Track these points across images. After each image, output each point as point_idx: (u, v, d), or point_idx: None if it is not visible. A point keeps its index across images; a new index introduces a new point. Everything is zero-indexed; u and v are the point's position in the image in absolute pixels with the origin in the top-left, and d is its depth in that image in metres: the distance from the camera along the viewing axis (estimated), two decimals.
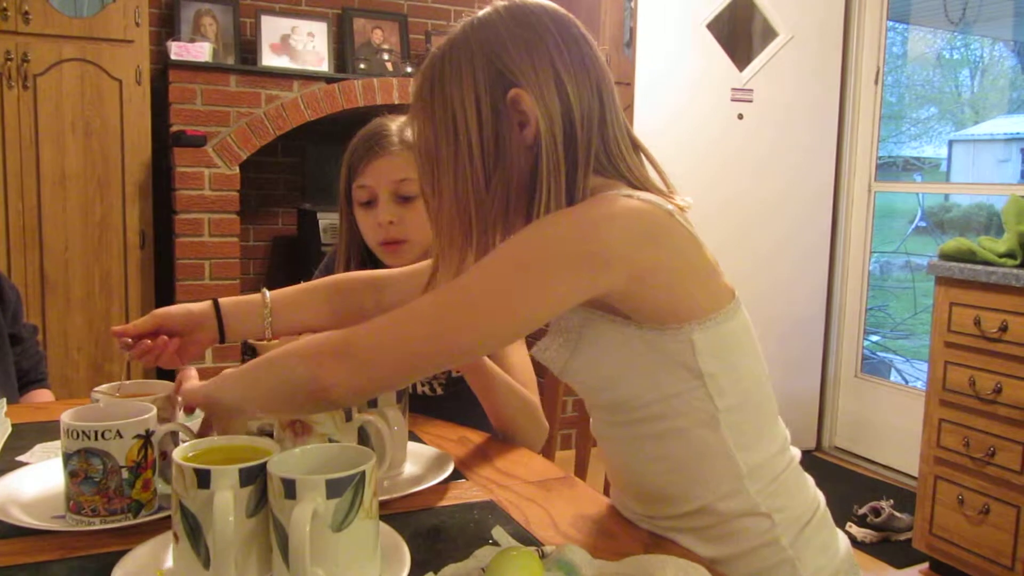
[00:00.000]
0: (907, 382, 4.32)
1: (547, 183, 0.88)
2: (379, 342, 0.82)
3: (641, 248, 0.83)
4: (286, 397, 0.86)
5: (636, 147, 0.95)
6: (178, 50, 3.13)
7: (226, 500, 0.71)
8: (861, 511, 2.82)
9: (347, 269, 1.44)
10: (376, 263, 1.46)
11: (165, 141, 3.17)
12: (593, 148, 0.91)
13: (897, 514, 2.81)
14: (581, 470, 1.56)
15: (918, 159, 5.79)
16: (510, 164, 0.89)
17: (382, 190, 1.39)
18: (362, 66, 3.55)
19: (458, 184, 0.90)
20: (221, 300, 1.16)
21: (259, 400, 0.88)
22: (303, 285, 1.24)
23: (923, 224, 5.44)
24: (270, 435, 0.92)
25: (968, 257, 2.41)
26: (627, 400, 0.91)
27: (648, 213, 0.84)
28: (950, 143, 5.95)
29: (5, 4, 2.89)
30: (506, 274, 0.82)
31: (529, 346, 1.16)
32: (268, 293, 1.17)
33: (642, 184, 0.92)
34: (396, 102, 3.35)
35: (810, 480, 0.99)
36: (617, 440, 0.96)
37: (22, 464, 1.08)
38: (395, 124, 1.42)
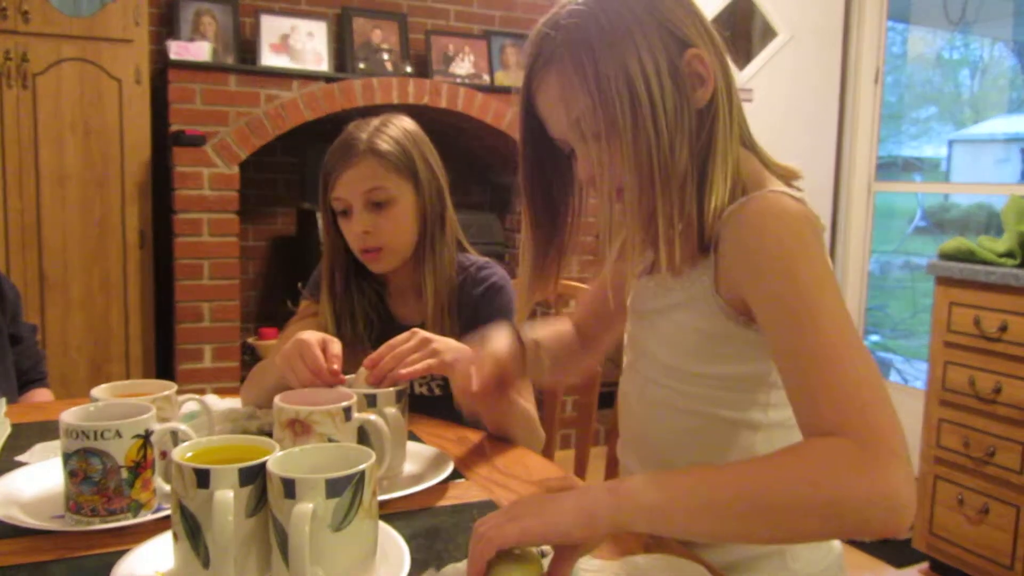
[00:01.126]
0: (907, 382, 4.32)
1: (722, 151, 0.86)
2: (893, 430, 0.71)
3: (823, 256, 0.82)
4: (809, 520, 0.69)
5: None
6: (177, 49, 3.13)
7: (226, 500, 0.71)
8: None
9: (333, 279, 1.44)
10: (362, 269, 1.45)
11: (164, 141, 3.17)
12: (742, 115, 0.90)
13: None
14: (581, 470, 1.55)
15: (918, 159, 5.79)
16: (687, 131, 0.85)
17: (355, 200, 1.38)
18: (361, 66, 3.55)
19: (640, 154, 0.83)
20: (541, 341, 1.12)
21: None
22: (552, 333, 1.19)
23: (923, 224, 5.45)
24: (269, 435, 0.92)
25: (968, 257, 2.41)
26: (695, 373, 0.92)
27: (815, 221, 0.84)
28: (950, 143, 5.95)
29: (4, 3, 2.89)
30: (842, 318, 0.76)
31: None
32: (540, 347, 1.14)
33: (764, 157, 0.92)
34: (395, 102, 3.35)
35: None
36: (654, 401, 0.97)
37: (21, 464, 1.07)
38: (365, 132, 1.39)
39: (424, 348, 1.11)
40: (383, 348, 1.11)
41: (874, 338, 4.86)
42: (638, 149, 0.83)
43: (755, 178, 0.89)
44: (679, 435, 0.95)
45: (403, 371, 1.09)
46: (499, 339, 1.08)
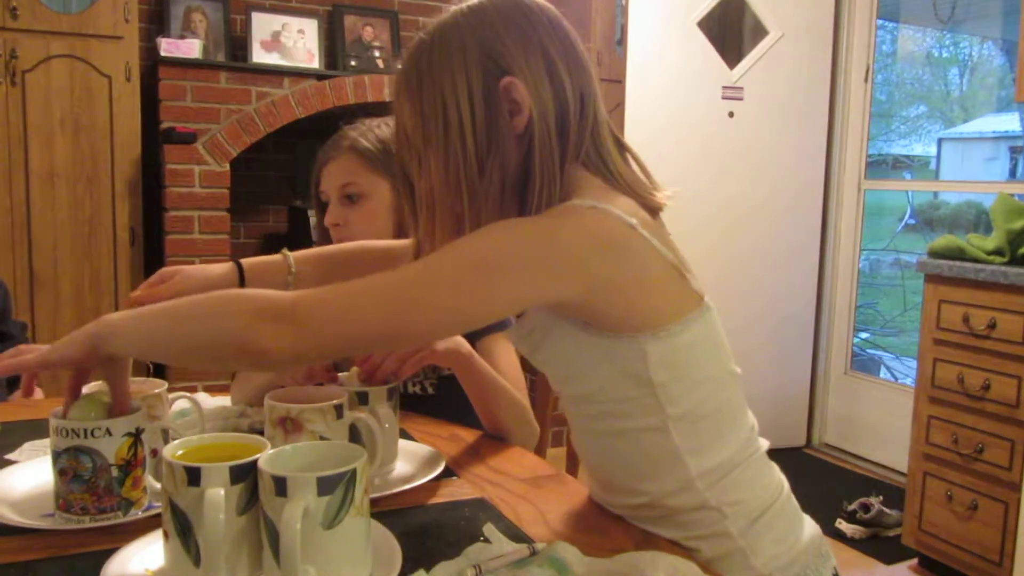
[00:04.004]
0: (896, 379, 4.35)
1: (540, 172, 0.89)
2: (328, 315, 0.79)
3: (597, 261, 0.83)
4: (207, 351, 0.83)
5: (620, 144, 0.96)
6: (168, 47, 3.12)
7: (216, 497, 0.71)
8: (850, 507, 2.84)
9: None
10: None
11: (155, 138, 3.16)
12: (584, 140, 0.91)
13: (886, 510, 2.83)
14: (572, 467, 1.56)
15: (908, 157, 5.82)
16: (503, 152, 0.89)
17: (332, 193, 1.47)
18: (353, 63, 3.54)
19: (449, 170, 0.89)
20: (244, 262, 1.15)
21: (164, 350, 0.87)
22: (321, 250, 1.25)
23: (912, 222, 5.47)
24: (260, 432, 0.92)
25: (957, 255, 2.42)
26: (584, 395, 0.93)
27: (607, 226, 0.84)
28: (939, 141, 5.98)
29: None
30: (459, 271, 0.81)
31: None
32: (291, 256, 1.16)
33: (623, 180, 0.92)
34: (387, 99, 3.32)
35: (774, 471, 0.99)
36: (576, 430, 0.99)
37: (11, 462, 1.07)
38: (355, 131, 1.47)
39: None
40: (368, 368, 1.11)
41: (864, 335, 4.89)
42: (448, 166, 0.89)
43: (590, 197, 0.89)
44: (603, 456, 0.96)
45: (405, 368, 1.10)
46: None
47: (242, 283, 1.14)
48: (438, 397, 1.40)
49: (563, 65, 0.90)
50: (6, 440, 1.17)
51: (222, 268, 1.15)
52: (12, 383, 1.73)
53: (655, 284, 0.88)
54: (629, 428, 0.91)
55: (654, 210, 0.93)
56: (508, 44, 0.89)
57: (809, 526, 1.00)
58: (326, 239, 1.50)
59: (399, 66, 0.94)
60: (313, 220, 1.51)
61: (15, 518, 0.88)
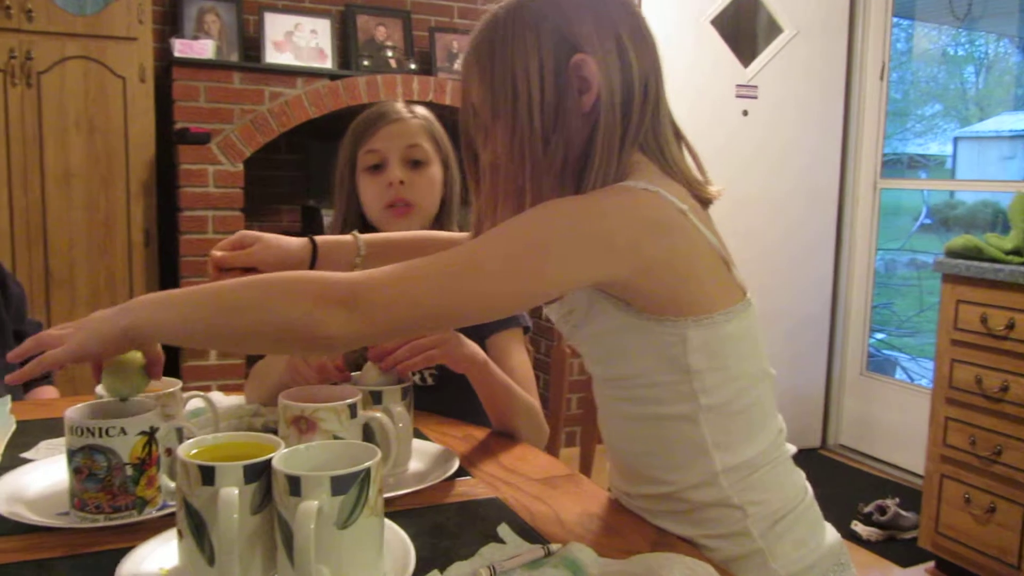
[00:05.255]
0: (912, 380, 4.31)
1: (601, 152, 0.89)
2: (386, 299, 0.80)
3: (648, 242, 0.84)
4: (264, 337, 0.83)
5: (677, 133, 0.97)
6: (181, 47, 3.13)
7: (231, 497, 0.71)
8: (866, 509, 2.81)
9: None
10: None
11: (169, 138, 3.17)
12: (645, 124, 0.92)
13: (903, 512, 2.80)
14: (586, 467, 1.55)
15: (923, 156, 5.77)
16: (568, 129, 0.89)
17: (392, 153, 1.42)
18: (365, 63, 3.55)
19: (514, 144, 0.90)
20: (318, 239, 1.14)
21: (210, 338, 0.87)
22: (390, 236, 1.24)
23: (928, 221, 5.43)
24: (274, 432, 0.92)
25: (975, 254, 2.40)
26: (618, 378, 0.94)
27: (659, 208, 0.85)
28: (955, 140, 5.93)
29: (8, 2, 2.89)
30: (519, 249, 0.83)
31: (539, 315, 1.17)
32: (361, 239, 1.17)
33: (678, 167, 0.93)
34: (400, 98, 3.35)
35: (799, 476, 0.99)
36: (607, 414, 0.99)
37: (27, 461, 1.07)
38: (400, 102, 1.49)
39: (432, 337, 1.12)
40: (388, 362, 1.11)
41: (879, 336, 4.85)
42: (514, 139, 0.90)
43: (644, 180, 0.90)
44: (632, 442, 0.96)
45: (415, 359, 1.10)
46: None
47: (314, 260, 1.13)
48: (438, 388, 1.39)
49: (632, 47, 0.91)
50: (22, 439, 1.17)
51: (299, 243, 1.13)
52: (29, 382, 1.74)
53: (702, 270, 0.89)
54: (660, 414, 0.91)
55: (705, 201, 0.95)
56: (581, 22, 0.89)
57: (831, 534, 0.99)
58: (352, 208, 1.46)
59: (470, 41, 0.95)
60: (327, 220, 1.49)
61: (30, 516, 0.88)
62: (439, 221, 1.46)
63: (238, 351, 1.03)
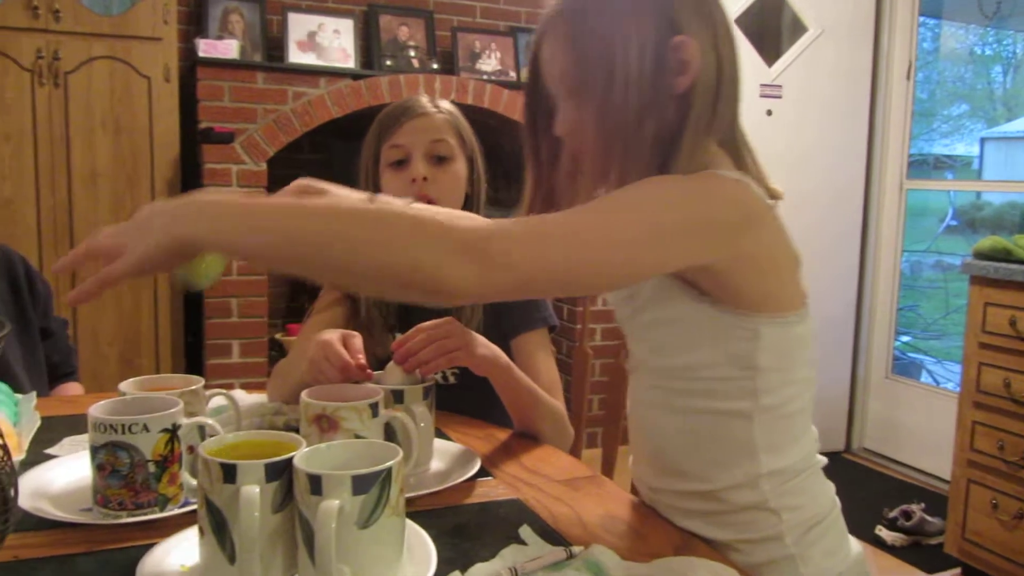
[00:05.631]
0: (938, 383, 4.26)
1: (690, 138, 0.87)
2: (521, 257, 0.75)
3: (744, 232, 0.84)
4: (382, 278, 0.75)
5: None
6: (206, 47, 3.15)
7: (252, 495, 0.71)
8: (891, 514, 2.78)
9: None
10: None
11: (193, 138, 3.20)
12: (727, 117, 0.91)
13: (928, 518, 2.77)
14: (608, 469, 1.54)
15: (949, 157, 5.70)
16: (660, 109, 0.87)
17: (416, 149, 1.39)
18: (388, 63, 3.55)
19: (606, 119, 0.87)
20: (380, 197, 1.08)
21: (301, 264, 0.76)
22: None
23: (954, 223, 5.36)
24: (296, 430, 0.92)
25: (1003, 256, 2.36)
26: (676, 368, 0.92)
27: (753, 200, 0.85)
28: (982, 140, 5.86)
29: (36, 3, 2.92)
30: (642, 228, 0.80)
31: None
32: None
33: (748, 162, 0.92)
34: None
35: (829, 486, 0.99)
36: (652, 404, 0.97)
37: (51, 457, 1.08)
38: (425, 96, 1.46)
39: (457, 338, 1.11)
40: (415, 332, 1.11)
41: (905, 339, 4.79)
42: (606, 113, 0.86)
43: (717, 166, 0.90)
44: (678, 436, 0.94)
45: (439, 360, 1.09)
46: None
47: None
48: (461, 387, 1.39)
49: (726, 38, 0.89)
50: (47, 435, 1.18)
51: (361, 198, 1.11)
52: (55, 379, 1.75)
53: (781, 268, 0.89)
54: (715, 409, 0.90)
55: (773, 199, 0.93)
56: (683, 4, 0.87)
57: (855, 545, 0.99)
58: None
59: (555, 8, 0.90)
60: (363, 178, 1.44)
61: (54, 512, 0.88)
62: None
63: (329, 282, 0.95)
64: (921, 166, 4.66)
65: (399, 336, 1.12)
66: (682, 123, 0.87)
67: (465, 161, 1.44)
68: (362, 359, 1.08)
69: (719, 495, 0.91)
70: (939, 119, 5.36)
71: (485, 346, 1.16)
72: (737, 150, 0.92)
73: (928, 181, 4.28)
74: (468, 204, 1.45)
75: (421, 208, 0.76)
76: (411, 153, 1.39)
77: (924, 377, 4.58)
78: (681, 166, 0.86)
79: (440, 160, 1.41)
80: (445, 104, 1.45)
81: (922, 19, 3.69)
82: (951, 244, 5.28)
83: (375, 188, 1.42)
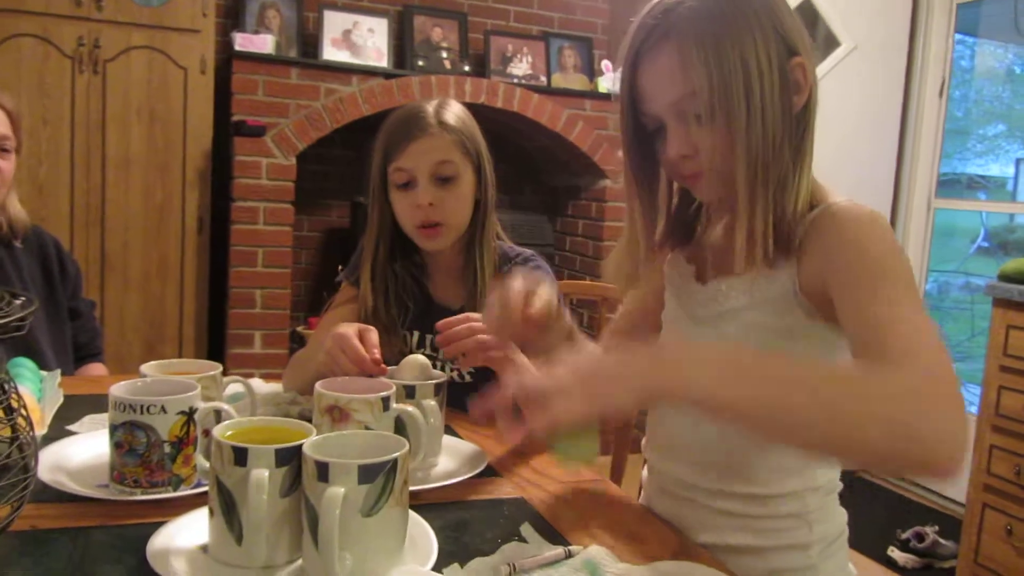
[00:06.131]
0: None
1: (810, 156, 0.89)
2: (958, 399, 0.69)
3: None
4: (878, 450, 0.67)
5: None
6: (242, 41, 3.20)
7: (261, 478, 0.73)
8: (904, 535, 2.76)
9: (376, 257, 1.43)
10: (409, 247, 1.46)
11: (226, 130, 3.24)
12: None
13: (941, 541, 2.74)
14: (617, 475, 1.55)
15: (983, 177, 5.63)
16: (787, 130, 0.87)
17: (420, 172, 1.37)
18: (420, 63, 3.58)
19: (751, 145, 0.85)
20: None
21: (787, 429, 0.69)
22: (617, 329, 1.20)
23: (986, 244, 5.29)
24: (310, 420, 0.94)
25: None
26: None
27: None
28: (1017, 161, 5.77)
29: None
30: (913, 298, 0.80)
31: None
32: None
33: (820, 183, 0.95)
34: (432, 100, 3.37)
35: (843, 510, 1.04)
36: None
37: (71, 433, 1.11)
38: (431, 107, 1.40)
39: (471, 327, 1.11)
40: (464, 319, 1.10)
41: None
42: (750, 138, 0.85)
43: (822, 192, 0.93)
44: (741, 436, 0.94)
45: (477, 356, 1.10)
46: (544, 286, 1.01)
47: None
48: (475, 385, 1.40)
49: (813, 59, 0.91)
50: (69, 412, 1.21)
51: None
52: (80, 359, 1.79)
53: None
54: None
55: None
56: (793, 24, 0.89)
57: (852, 567, 1.04)
58: (385, 222, 1.43)
59: (665, 25, 0.88)
60: (372, 197, 1.43)
61: (72, 486, 0.91)
62: (480, 225, 1.45)
63: (812, 450, 0.84)
64: (954, 185, 4.61)
65: (446, 320, 1.12)
66: (802, 143, 0.89)
67: (472, 172, 1.41)
68: (377, 353, 1.10)
69: (768, 500, 0.95)
70: (974, 138, 5.30)
71: (522, 358, 1.17)
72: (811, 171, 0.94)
73: (957, 201, 4.24)
74: (477, 210, 1.44)
75: (915, 378, 0.70)
76: (416, 177, 1.37)
77: None
78: (803, 184, 0.88)
79: (445, 180, 1.38)
80: (451, 116, 1.40)
81: (959, 36, 3.66)
82: (982, 265, 5.21)
83: (383, 205, 1.43)
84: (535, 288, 1.02)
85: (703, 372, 0.70)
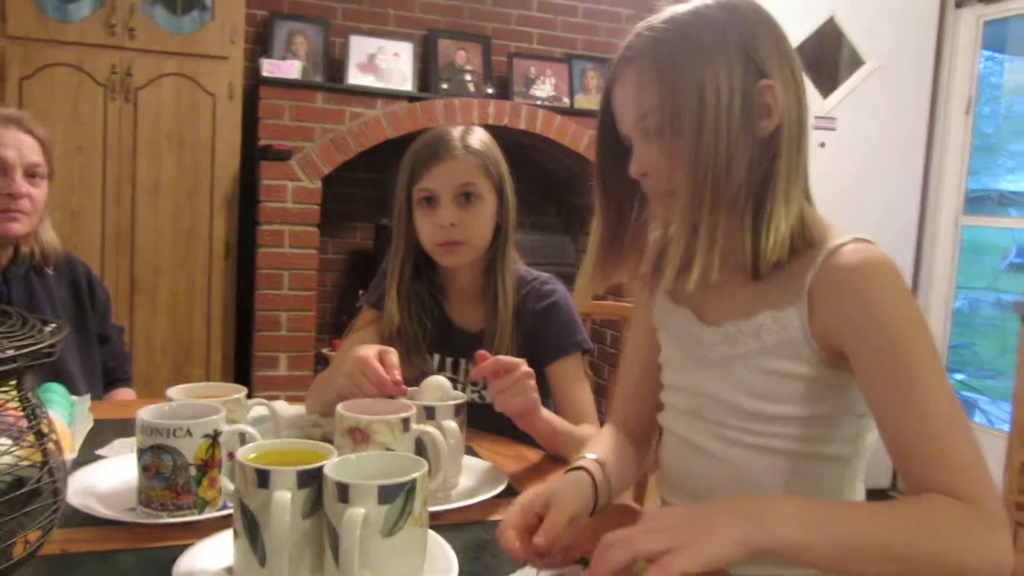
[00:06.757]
0: (992, 424, 4.14)
1: (784, 182, 0.89)
2: (996, 495, 0.79)
3: None
4: None
5: None
6: (270, 67, 3.25)
7: (283, 500, 0.74)
8: None
9: (402, 277, 1.46)
10: (431, 267, 1.48)
11: (252, 154, 3.29)
12: (805, 164, 0.92)
13: None
14: (640, 494, 1.55)
15: (1014, 193, 5.56)
16: (747, 154, 0.88)
17: (444, 193, 1.41)
18: (444, 86, 3.62)
19: (697, 162, 0.86)
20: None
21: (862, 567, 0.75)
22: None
23: (1017, 260, 5.22)
24: (331, 441, 0.95)
25: None
26: (784, 417, 0.93)
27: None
28: None
29: (114, 21, 3.06)
30: (946, 384, 0.83)
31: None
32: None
33: (811, 202, 0.95)
34: (476, 122, 3.41)
35: None
36: (735, 444, 0.96)
37: (100, 457, 1.13)
38: (456, 131, 1.45)
39: (526, 385, 1.14)
40: (492, 364, 1.13)
41: (959, 377, 4.67)
42: (697, 156, 0.86)
43: (821, 227, 0.92)
44: (768, 475, 0.95)
45: (511, 404, 1.14)
46: (570, 493, 0.88)
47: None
48: (492, 406, 1.41)
49: (800, 76, 0.91)
50: (98, 436, 1.24)
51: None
52: (109, 383, 1.83)
53: None
54: (820, 453, 0.93)
55: None
56: (766, 46, 0.89)
57: None
58: (410, 241, 1.46)
59: (643, 44, 0.90)
60: (397, 215, 1.46)
61: (101, 510, 0.93)
62: (501, 249, 1.47)
63: None
64: (984, 202, 4.56)
65: (493, 356, 1.14)
66: (772, 167, 0.88)
67: (495, 195, 1.44)
68: (398, 375, 1.11)
69: None
70: (1004, 154, 5.24)
71: (544, 412, 1.20)
72: (808, 191, 0.94)
73: (985, 217, 4.19)
74: (497, 234, 1.46)
75: (948, 506, 0.77)
76: (439, 197, 1.41)
77: (978, 416, 4.45)
78: (778, 213, 0.88)
79: (468, 199, 1.41)
80: (475, 141, 1.44)
81: (988, 53, 3.63)
82: (1013, 282, 5.13)
83: (408, 224, 1.46)
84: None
85: (804, 531, 0.72)
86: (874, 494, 1.01)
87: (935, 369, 0.82)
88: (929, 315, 3.60)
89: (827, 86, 3.47)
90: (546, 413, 1.22)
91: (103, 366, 1.80)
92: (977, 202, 3.85)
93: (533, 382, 1.15)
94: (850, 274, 0.87)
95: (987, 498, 0.77)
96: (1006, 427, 2.50)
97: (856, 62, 3.49)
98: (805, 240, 0.91)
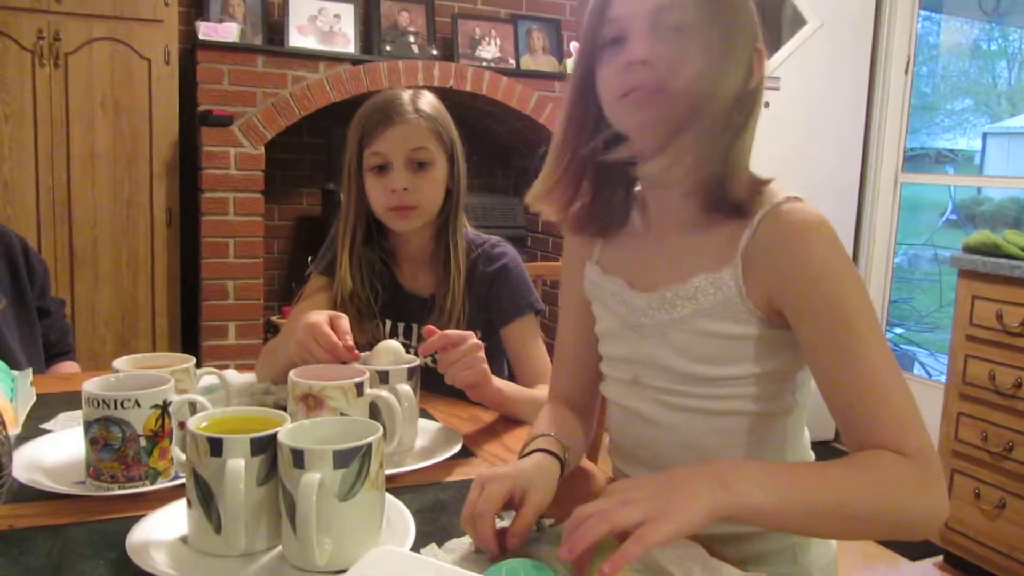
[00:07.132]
0: (930, 375, 4.29)
1: (751, 135, 0.91)
2: (932, 449, 0.82)
3: None
4: (880, 526, 0.82)
5: None
6: (206, 30, 3.16)
7: (237, 468, 0.74)
8: None
9: (354, 242, 1.44)
10: (381, 232, 1.47)
11: (192, 120, 3.21)
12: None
13: None
14: (592, 451, 1.57)
15: (951, 151, 5.71)
16: (740, 83, 0.88)
17: (396, 157, 1.39)
18: (388, 48, 3.56)
19: (710, 60, 0.86)
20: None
21: (815, 523, 0.80)
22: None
23: (954, 217, 5.38)
24: (284, 410, 0.95)
25: (992, 251, 2.38)
26: (725, 378, 0.94)
27: None
28: (984, 135, 5.86)
29: None
30: (884, 341, 0.86)
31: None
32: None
33: None
34: (421, 84, 3.37)
35: None
36: (680, 410, 0.97)
37: (46, 432, 1.11)
38: (406, 95, 1.42)
39: (474, 357, 1.14)
40: (440, 339, 1.13)
41: (898, 331, 4.83)
42: (710, 57, 0.85)
43: (757, 179, 0.94)
44: (708, 436, 0.96)
45: (461, 375, 1.14)
46: (541, 489, 0.86)
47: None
48: None
49: (763, 53, 0.92)
50: (42, 411, 1.21)
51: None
52: (52, 357, 1.78)
53: None
54: (760, 411, 0.95)
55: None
56: (758, 11, 0.91)
57: (832, 541, 1.06)
58: (362, 207, 1.44)
59: None
60: (346, 182, 1.43)
61: (48, 484, 0.91)
62: (452, 213, 1.46)
63: (825, 535, 0.99)
64: (922, 160, 4.67)
65: (440, 331, 1.14)
66: (746, 120, 0.90)
67: (446, 160, 1.43)
68: (350, 340, 1.11)
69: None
70: (942, 113, 5.36)
71: (495, 381, 1.20)
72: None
73: (923, 175, 4.30)
74: (448, 199, 1.45)
75: (908, 470, 0.80)
76: (391, 161, 1.39)
77: (916, 369, 4.61)
78: (742, 161, 0.90)
79: (420, 165, 1.40)
80: (425, 105, 1.42)
81: (925, 13, 3.70)
82: (950, 238, 5.29)
83: (359, 189, 1.43)
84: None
85: (763, 491, 0.74)
86: (818, 446, 1.04)
87: (873, 327, 0.85)
88: (870, 271, 3.70)
89: (770, 46, 3.50)
90: (497, 382, 1.22)
91: (44, 340, 1.75)
92: (915, 160, 3.94)
93: (482, 353, 1.15)
94: (785, 234, 0.88)
95: (927, 452, 0.81)
96: (943, 378, 2.59)
97: (798, 21, 3.52)
98: (752, 191, 0.92)
